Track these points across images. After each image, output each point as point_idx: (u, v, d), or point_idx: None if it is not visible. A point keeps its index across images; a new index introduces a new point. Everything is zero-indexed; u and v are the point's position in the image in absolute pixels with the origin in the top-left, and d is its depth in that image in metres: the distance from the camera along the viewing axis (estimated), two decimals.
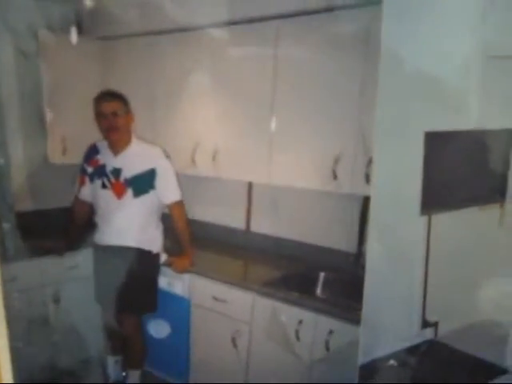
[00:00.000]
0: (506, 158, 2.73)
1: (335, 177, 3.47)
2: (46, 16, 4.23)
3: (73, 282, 4.33)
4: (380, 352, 2.53)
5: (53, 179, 4.84)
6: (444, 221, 2.62)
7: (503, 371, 2.49)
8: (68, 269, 4.34)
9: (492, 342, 2.60)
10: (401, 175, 2.52)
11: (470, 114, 2.65)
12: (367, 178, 3.28)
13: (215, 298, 3.91)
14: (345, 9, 3.30)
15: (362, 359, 2.46)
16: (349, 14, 3.30)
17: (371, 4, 3.01)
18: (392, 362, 2.54)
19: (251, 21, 3.77)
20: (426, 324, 2.68)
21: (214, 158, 4.19)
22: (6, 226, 3.85)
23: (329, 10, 3.36)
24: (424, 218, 2.60)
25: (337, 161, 3.46)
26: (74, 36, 4.50)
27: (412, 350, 2.62)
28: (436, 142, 2.47)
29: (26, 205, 4.73)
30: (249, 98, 3.93)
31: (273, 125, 3.81)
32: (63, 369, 4.24)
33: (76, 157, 4.20)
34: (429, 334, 2.70)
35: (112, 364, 4.38)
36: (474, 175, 2.71)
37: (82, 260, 4.32)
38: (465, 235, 2.69)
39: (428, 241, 2.63)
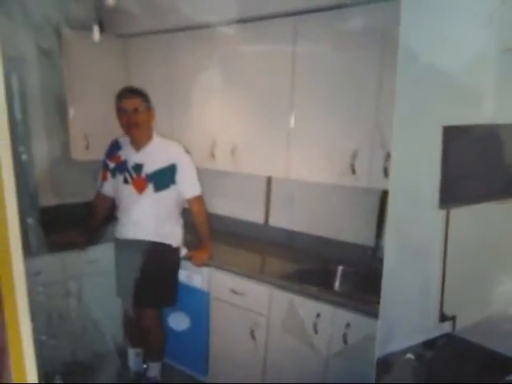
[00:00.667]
0: None
1: (353, 171, 3.44)
2: (68, 14, 4.21)
3: (94, 276, 4.33)
4: (397, 345, 2.50)
5: (75, 175, 4.86)
6: (462, 215, 2.59)
7: None
8: (89, 263, 4.34)
9: (511, 336, 2.55)
10: (419, 169, 2.48)
11: (488, 108, 2.63)
12: (385, 172, 3.25)
13: (234, 291, 3.89)
14: (361, 5, 3.26)
15: (379, 352, 2.44)
16: (365, 9, 3.25)
17: (387, 0, 2.96)
18: (409, 355, 2.50)
19: (269, 17, 3.73)
20: (443, 318, 2.64)
21: (232, 153, 4.16)
22: (29, 221, 3.80)
23: (345, 6, 3.32)
24: (442, 212, 2.57)
25: (355, 155, 3.42)
26: (96, 34, 4.51)
27: (430, 344, 2.59)
28: (454, 136, 2.44)
29: (49, 200, 4.74)
30: (267, 94, 3.90)
31: (291, 120, 3.78)
32: (84, 361, 4.26)
33: (98, 153, 4.19)
34: (447, 327, 2.67)
35: (133, 356, 4.37)
36: (493, 169, 2.67)
37: (104, 254, 4.29)
38: (483, 229, 2.65)
39: (446, 234, 2.60)
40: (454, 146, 2.45)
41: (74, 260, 4.27)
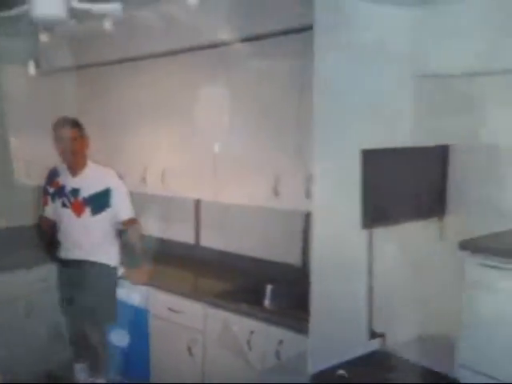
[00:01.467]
0: (443, 172, 2.61)
1: (276, 194, 3.28)
2: (5, 50, 4.05)
3: (43, 294, 4.12)
4: (330, 362, 2.38)
5: (19, 199, 4.60)
6: (386, 234, 2.50)
7: (453, 382, 2.27)
8: (38, 281, 4.17)
9: (440, 353, 2.42)
10: (340, 191, 2.39)
11: (405, 132, 2.56)
12: (307, 194, 3.04)
13: (171, 310, 3.71)
14: (281, 35, 3.12)
15: (312, 368, 2.33)
16: (285, 39, 3.11)
17: (305, 31, 2.75)
18: (341, 371, 2.35)
19: (193, 49, 3.64)
20: (373, 335, 2.55)
21: (162, 178, 4.03)
22: None
23: (265, 37, 3.20)
24: (366, 232, 2.47)
25: (278, 178, 3.27)
26: (31, 69, 4.43)
27: (361, 360, 2.48)
28: (372, 159, 2.35)
29: None
30: (195, 121, 3.72)
31: (216, 147, 3.67)
32: (35, 377, 4.02)
33: (39, 179, 3.98)
34: (377, 344, 2.56)
35: (78, 371, 4.08)
36: (413, 190, 2.57)
37: (51, 273, 4.02)
38: (407, 248, 2.54)
39: (370, 253, 2.50)
40: (373, 168, 2.36)
41: (22, 279, 4.12)
